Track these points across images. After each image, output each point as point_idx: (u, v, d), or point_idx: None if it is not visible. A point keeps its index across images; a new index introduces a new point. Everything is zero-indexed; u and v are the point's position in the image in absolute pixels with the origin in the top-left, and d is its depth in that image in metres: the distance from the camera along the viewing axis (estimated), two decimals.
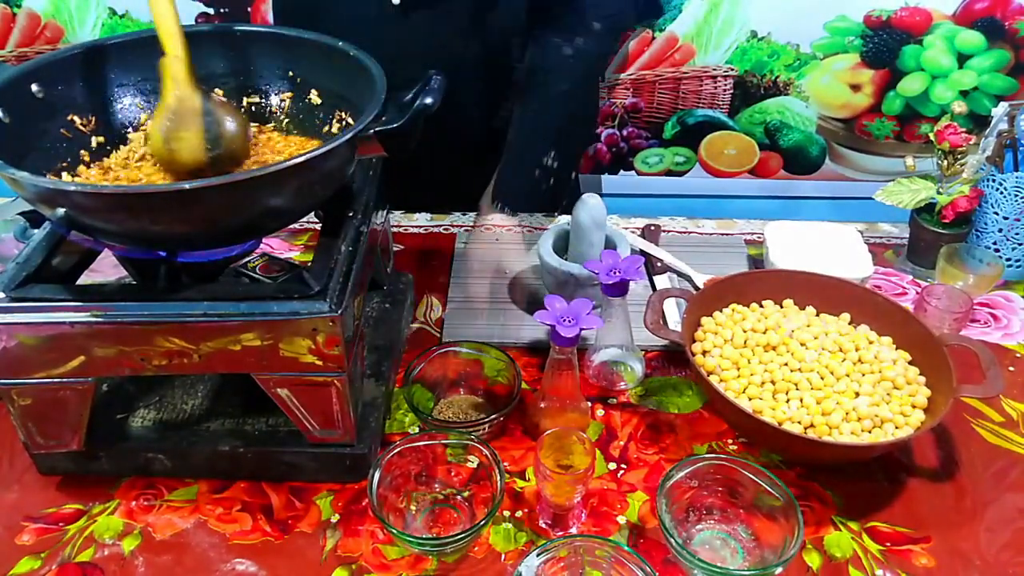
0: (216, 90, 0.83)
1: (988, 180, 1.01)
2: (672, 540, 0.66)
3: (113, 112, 0.80)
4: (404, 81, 0.77)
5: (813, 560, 0.72)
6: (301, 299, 0.67)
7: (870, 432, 0.77)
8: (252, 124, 0.82)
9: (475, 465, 0.73)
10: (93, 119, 0.79)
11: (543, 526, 0.74)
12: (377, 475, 0.70)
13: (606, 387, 0.88)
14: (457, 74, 1.02)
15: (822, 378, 0.81)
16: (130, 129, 0.81)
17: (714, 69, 1.98)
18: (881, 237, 1.14)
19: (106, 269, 0.82)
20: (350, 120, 0.79)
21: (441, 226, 1.14)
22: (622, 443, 0.82)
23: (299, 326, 0.67)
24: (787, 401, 0.79)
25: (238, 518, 0.74)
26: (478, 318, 0.96)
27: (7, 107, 0.70)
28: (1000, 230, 1.01)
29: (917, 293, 0.97)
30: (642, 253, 1.05)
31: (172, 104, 0.71)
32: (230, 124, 0.72)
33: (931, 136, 1.02)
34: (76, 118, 0.78)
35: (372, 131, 0.68)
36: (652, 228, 1.10)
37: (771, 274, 0.93)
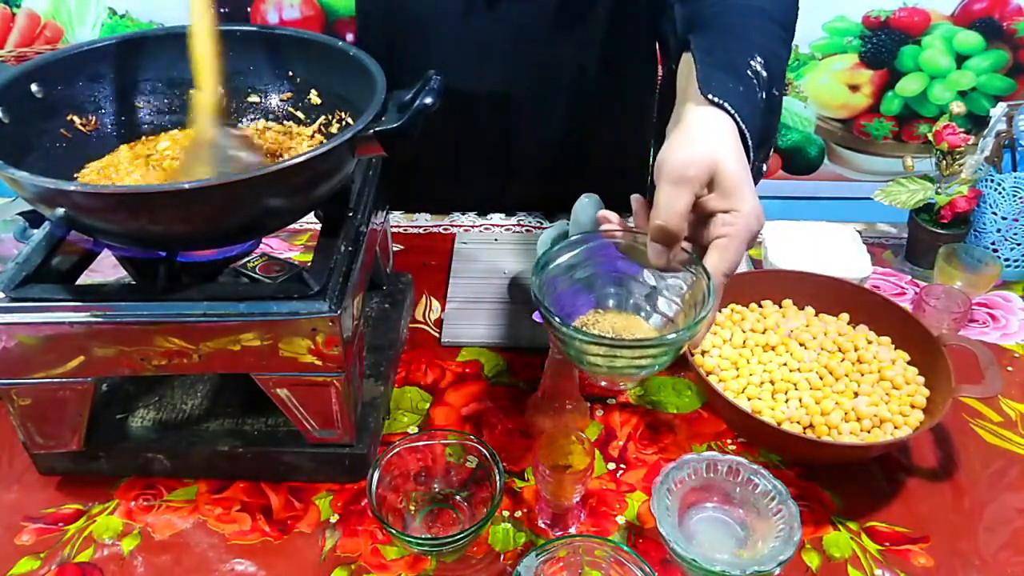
0: (218, 88, 0.83)
1: (986, 180, 1.01)
2: (669, 540, 0.66)
3: (113, 112, 0.80)
4: (489, 80, 0.71)
5: (812, 560, 0.72)
6: (301, 299, 0.67)
7: (869, 432, 0.77)
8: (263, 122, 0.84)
9: (474, 465, 0.73)
10: (93, 119, 0.79)
11: (542, 526, 0.74)
12: (376, 475, 0.70)
13: (605, 387, 0.88)
14: (545, 76, 0.93)
15: (821, 378, 0.81)
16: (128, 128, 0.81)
17: None
18: (880, 237, 1.14)
19: (106, 269, 0.82)
20: (350, 120, 0.80)
21: (441, 226, 1.14)
22: (621, 443, 0.82)
23: (299, 326, 0.67)
24: (786, 401, 0.80)
25: (237, 518, 0.74)
26: (477, 318, 0.96)
27: (7, 107, 0.70)
28: (998, 230, 1.02)
29: (916, 293, 0.98)
30: None
31: (192, 135, 0.73)
32: (242, 157, 0.73)
33: (929, 136, 1.03)
34: (76, 118, 0.78)
35: (372, 131, 0.68)
36: None
37: (770, 274, 0.94)
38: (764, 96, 0.69)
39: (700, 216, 0.60)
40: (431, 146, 0.91)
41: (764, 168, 0.74)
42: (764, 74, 0.69)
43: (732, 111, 0.63)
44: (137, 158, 0.78)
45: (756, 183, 0.65)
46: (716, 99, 0.63)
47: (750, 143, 0.64)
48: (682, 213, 0.57)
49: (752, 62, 0.69)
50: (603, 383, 0.63)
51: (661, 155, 0.60)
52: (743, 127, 0.63)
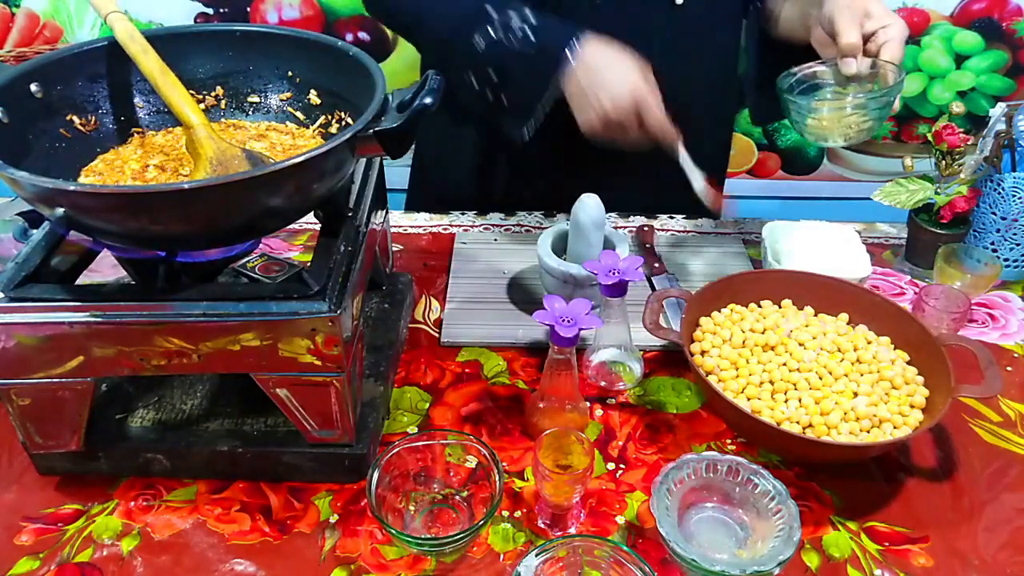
0: (217, 88, 0.84)
1: (986, 180, 1.01)
2: (669, 540, 0.66)
3: (112, 112, 0.80)
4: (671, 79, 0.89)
5: (812, 560, 0.72)
6: (300, 299, 0.67)
7: (868, 432, 0.77)
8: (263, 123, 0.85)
9: (474, 465, 0.73)
10: (93, 119, 0.79)
11: (542, 526, 0.74)
12: (376, 475, 0.70)
13: (605, 387, 0.88)
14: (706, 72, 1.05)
15: (820, 378, 0.81)
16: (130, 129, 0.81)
17: None
18: (879, 237, 1.14)
19: (105, 269, 0.82)
20: (350, 120, 0.80)
21: (440, 226, 1.14)
22: (621, 443, 0.82)
23: (298, 326, 0.67)
24: (785, 401, 0.80)
25: (237, 518, 0.74)
26: (477, 318, 0.96)
27: (6, 107, 0.70)
28: (998, 230, 1.02)
29: (915, 293, 0.98)
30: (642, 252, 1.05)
31: (215, 155, 0.73)
32: (263, 156, 0.75)
33: (929, 136, 1.03)
34: (75, 118, 0.78)
35: (371, 131, 0.68)
36: (646, 228, 1.10)
37: (769, 274, 0.94)
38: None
39: (864, 40, 0.86)
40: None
41: None
42: None
43: None
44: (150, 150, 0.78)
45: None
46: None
47: None
48: (857, 33, 0.85)
49: None
50: (823, 141, 0.89)
51: (832, 7, 0.87)
52: None
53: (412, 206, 1.24)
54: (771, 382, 0.81)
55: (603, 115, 0.90)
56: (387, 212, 0.93)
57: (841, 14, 0.86)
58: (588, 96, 0.90)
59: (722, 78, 1.18)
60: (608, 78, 0.89)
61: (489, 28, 0.93)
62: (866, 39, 0.86)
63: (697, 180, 0.93)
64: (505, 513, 0.75)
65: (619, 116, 0.89)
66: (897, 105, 0.86)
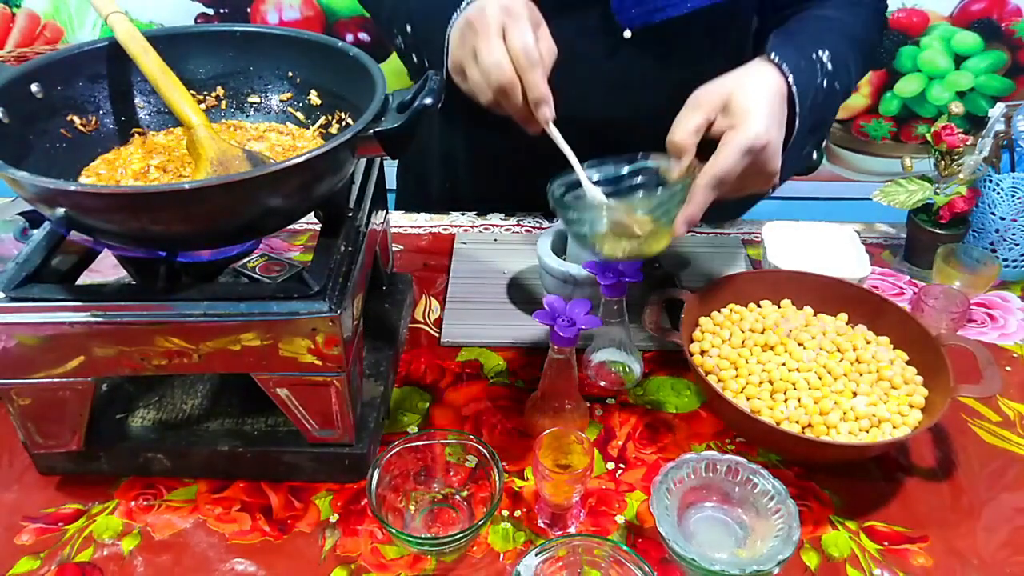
0: (218, 88, 0.84)
1: (985, 181, 1.02)
2: (668, 540, 0.66)
3: (113, 112, 0.81)
4: (626, 111, 0.78)
5: (811, 559, 0.72)
6: (300, 299, 0.67)
7: (868, 432, 0.77)
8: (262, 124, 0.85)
9: (474, 465, 0.74)
10: (93, 119, 0.79)
11: (542, 526, 0.74)
12: (376, 475, 0.70)
13: (605, 387, 0.88)
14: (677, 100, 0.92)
15: (820, 378, 0.81)
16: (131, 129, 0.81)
17: None
18: (878, 237, 1.14)
19: (106, 269, 0.82)
20: (350, 120, 0.80)
21: (440, 226, 1.14)
22: (620, 443, 0.82)
23: (298, 326, 0.67)
24: (785, 401, 0.80)
25: (237, 518, 0.75)
26: (477, 318, 0.96)
27: (7, 107, 0.70)
28: (997, 230, 1.02)
29: (914, 293, 0.98)
30: None
31: (216, 155, 0.73)
32: (264, 157, 0.76)
33: (928, 137, 1.03)
34: (76, 118, 0.78)
35: (372, 131, 0.68)
36: None
37: (769, 274, 0.94)
38: (824, 83, 0.76)
39: (714, 140, 0.70)
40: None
41: (815, 156, 0.82)
42: (829, 66, 0.76)
43: (787, 72, 0.72)
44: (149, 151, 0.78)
45: (802, 168, 0.79)
46: (775, 58, 0.72)
47: (797, 109, 0.72)
48: (690, 130, 0.69)
49: (819, 51, 0.75)
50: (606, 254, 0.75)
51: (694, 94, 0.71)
52: (793, 90, 0.71)
53: (401, 206, 1.24)
54: (771, 382, 0.81)
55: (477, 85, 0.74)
56: (387, 212, 0.93)
57: (688, 104, 0.72)
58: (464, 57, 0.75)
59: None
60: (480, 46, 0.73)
61: None
62: (716, 137, 0.71)
63: (574, 160, 0.76)
64: (505, 513, 0.75)
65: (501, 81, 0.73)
66: (679, 227, 0.70)
